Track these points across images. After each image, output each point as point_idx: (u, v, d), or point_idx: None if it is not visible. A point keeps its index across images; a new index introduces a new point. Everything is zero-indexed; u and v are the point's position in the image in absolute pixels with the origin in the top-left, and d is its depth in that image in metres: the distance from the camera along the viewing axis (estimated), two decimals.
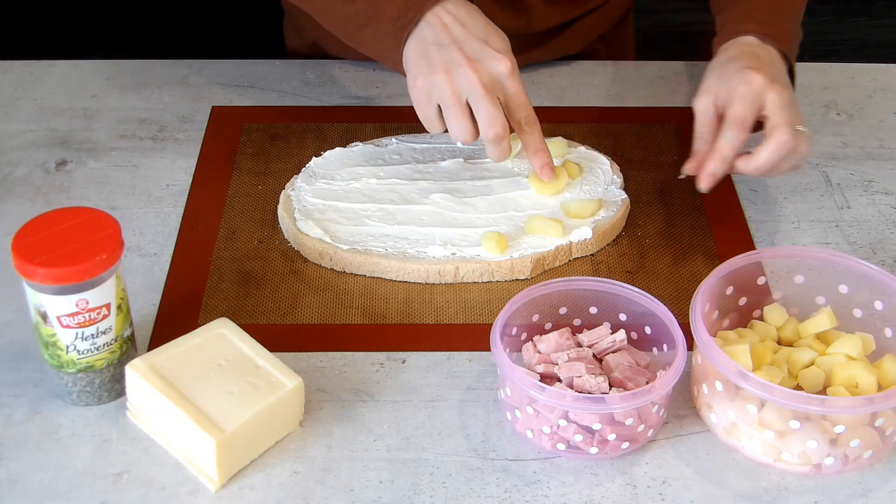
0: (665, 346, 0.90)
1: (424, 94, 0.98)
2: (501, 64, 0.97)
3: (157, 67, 1.29)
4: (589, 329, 0.92)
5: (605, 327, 0.91)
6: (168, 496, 0.82)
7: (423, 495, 0.82)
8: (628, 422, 0.83)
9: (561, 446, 0.85)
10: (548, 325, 0.92)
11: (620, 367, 0.88)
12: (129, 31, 2.62)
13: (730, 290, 0.92)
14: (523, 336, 0.91)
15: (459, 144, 1.04)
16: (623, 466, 0.84)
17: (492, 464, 0.84)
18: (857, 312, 0.92)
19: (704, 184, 0.99)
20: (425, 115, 1.00)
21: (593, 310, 0.92)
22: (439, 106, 0.98)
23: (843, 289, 0.92)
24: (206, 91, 1.25)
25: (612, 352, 0.90)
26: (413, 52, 0.99)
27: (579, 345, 0.90)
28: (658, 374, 0.85)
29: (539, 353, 0.90)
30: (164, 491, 0.82)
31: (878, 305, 0.90)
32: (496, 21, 1.01)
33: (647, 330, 0.91)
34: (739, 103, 0.98)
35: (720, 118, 1.00)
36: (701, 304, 0.86)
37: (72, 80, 1.26)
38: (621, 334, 0.90)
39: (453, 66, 0.97)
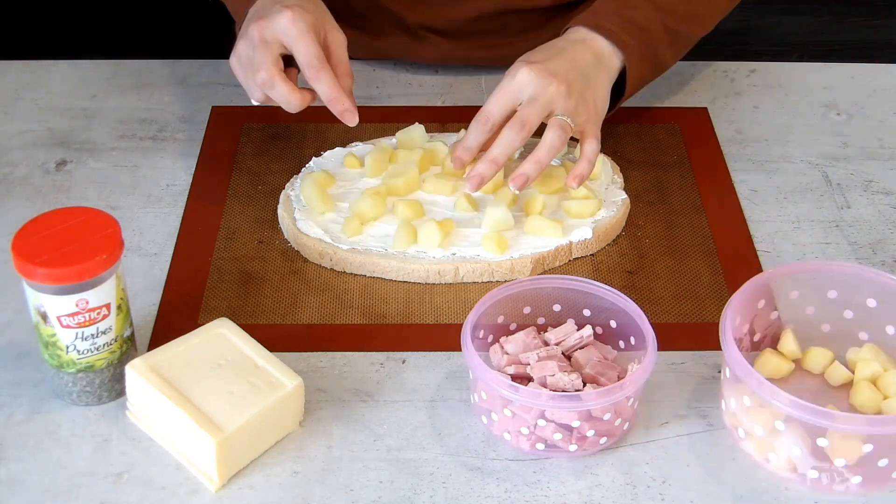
0: (632, 339, 0.90)
1: (235, 61, 1.03)
2: (282, 17, 0.99)
3: (157, 67, 1.29)
4: (554, 327, 0.92)
5: (571, 324, 0.91)
6: (168, 496, 0.82)
7: (423, 495, 0.82)
8: (605, 417, 0.83)
9: (540, 446, 0.85)
10: (513, 326, 0.92)
11: (591, 362, 0.88)
12: (129, 31, 2.61)
13: (762, 304, 0.92)
14: (490, 338, 0.91)
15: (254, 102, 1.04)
16: (623, 466, 0.84)
17: (492, 464, 0.84)
18: (890, 329, 0.91)
19: (471, 184, 1.00)
20: (241, 76, 1.04)
21: (557, 307, 0.92)
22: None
23: (872, 302, 0.91)
24: (206, 91, 1.25)
25: (580, 348, 0.90)
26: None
27: (546, 343, 0.90)
28: (630, 367, 0.86)
29: (507, 354, 0.89)
30: (164, 491, 0.82)
31: None
32: (501, 1, 1.02)
33: (613, 324, 0.91)
34: (495, 100, 1.00)
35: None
36: (731, 319, 0.86)
37: (72, 80, 1.26)
38: (588, 330, 0.90)
39: (245, 30, 1.01)
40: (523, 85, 1.00)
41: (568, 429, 0.83)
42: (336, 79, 1.01)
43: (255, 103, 1.04)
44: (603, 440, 0.85)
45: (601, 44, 1.06)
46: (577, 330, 0.91)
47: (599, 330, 0.92)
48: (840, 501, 0.83)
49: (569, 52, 1.04)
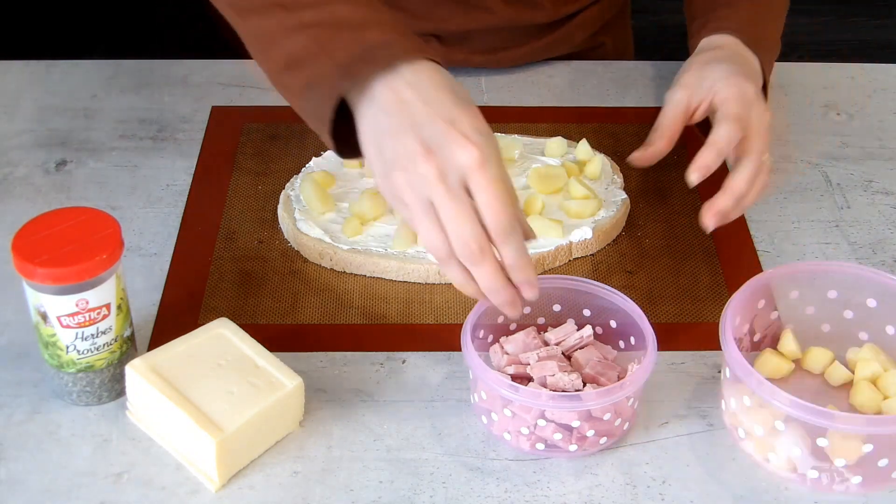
0: (632, 339, 0.90)
1: (391, 196, 0.82)
2: (466, 153, 0.77)
3: (157, 67, 1.29)
4: (554, 327, 0.92)
5: (571, 324, 0.91)
6: (168, 496, 0.82)
7: (423, 495, 0.82)
8: (605, 417, 0.83)
9: (540, 446, 0.85)
10: (513, 326, 0.92)
11: (591, 362, 0.88)
12: (129, 31, 2.62)
13: (761, 304, 0.92)
14: (490, 338, 0.91)
15: (432, 258, 0.84)
16: (623, 466, 0.84)
17: (492, 464, 0.84)
18: (890, 329, 0.91)
19: (695, 176, 0.94)
20: (405, 217, 0.82)
21: (557, 307, 0.92)
22: None
23: (872, 303, 0.91)
24: (206, 91, 1.25)
25: (580, 348, 0.90)
26: (369, 139, 0.82)
27: (546, 343, 0.90)
28: (630, 367, 0.86)
29: (507, 354, 0.89)
30: (164, 491, 0.82)
31: None
32: (501, 14, 0.95)
33: (612, 324, 0.91)
34: (735, 104, 0.95)
35: (690, 118, 0.98)
36: (731, 319, 0.86)
37: (72, 80, 1.26)
38: (587, 330, 0.90)
39: (409, 162, 0.79)
40: (751, 102, 0.96)
41: (568, 429, 0.83)
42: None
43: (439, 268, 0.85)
44: (603, 440, 0.85)
45: (754, 59, 1.03)
46: (577, 330, 0.91)
47: (599, 330, 0.92)
48: (840, 501, 0.83)
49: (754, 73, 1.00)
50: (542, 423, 0.83)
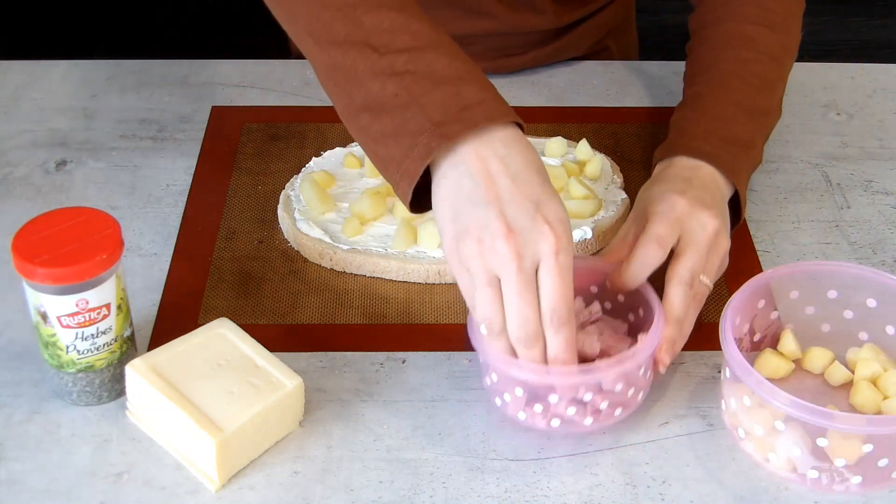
0: (640, 311, 0.90)
1: (455, 258, 0.82)
2: (546, 242, 0.78)
3: (157, 67, 1.29)
4: None
5: (579, 301, 0.91)
6: (168, 496, 0.82)
7: (423, 495, 0.82)
8: (618, 388, 0.83)
9: (555, 422, 0.85)
10: None
11: (601, 337, 0.88)
12: (129, 31, 2.62)
13: (761, 304, 0.92)
14: None
15: (484, 330, 0.82)
16: (623, 466, 0.84)
17: (492, 464, 0.84)
18: (890, 329, 0.91)
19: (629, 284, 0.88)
20: (460, 283, 0.82)
21: None
22: None
23: (872, 303, 0.91)
24: (206, 91, 1.25)
25: (591, 323, 0.90)
26: (445, 199, 0.81)
27: None
28: (640, 337, 0.86)
29: None
30: (164, 491, 0.82)
31: None
32: (504, 20, 0.93)
33: (620, 298, 0.92)
34: (658, 223, 0.89)
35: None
36: (731, 319, 0.86)
37: (72, 80, 1.26)
38: (596, 306, 0.91)
39: (487, 235, 0.78)
40: (682, 214, 0.89)
41: (581, 403, 0.83)
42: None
43: (481, 331, 0.82)
44: (618, 411, 0.85)
45: (710, 172, 0.95)
46: (586, 307, 0.91)
47: (608, 305, 0.92)
48: (840, 501, 0.83)
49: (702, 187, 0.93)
50: (554, 399, 0.83)
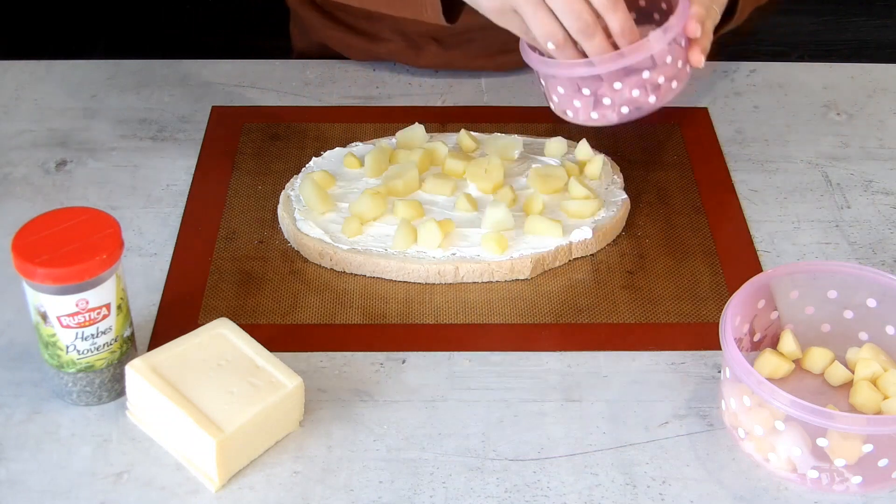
0: (664, 5, 0.99)
1: (498, 6, 0.92)
2: None
3: (157, 67, 1.29)
4: None
5: None
6: (168, 496, 0.82)
7: (423, 495, 0.82)
8: (668, 60, 0.92)
9: (625, 109, 0.92)
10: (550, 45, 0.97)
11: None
12: (129, 31, 2.62)
13: (761, 304, 0.92)
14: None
15: (551, 45, 0.91)
16: (623, 466, 0.84)
17: (492, 464, 0.84)
18: (890, 329, 0.91)
19: (697, 56, 0.96)
20: (513, 28, 0.93)
21: None
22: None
23: (872, 303, 0.92)
24: (206, 91, 1.25)
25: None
26: None
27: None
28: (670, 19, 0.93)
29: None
30: (164, 491, 0.82)
31: None
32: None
33: (642, 2, 1.00)
34: None
35: None
36: (731, 319, 0.86)
37: (72, 80, 1.26)
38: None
39: None
40: None
41: (641, 84, 0.91)
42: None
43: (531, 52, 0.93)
44: (674, 84, 0.93)
45: None
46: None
47: (633, 14, 0.95)
48: (840, 501, 0.83)
49: None
50: (618, 85, 0.88)
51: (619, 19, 0.90)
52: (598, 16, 0.90)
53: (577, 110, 0.93)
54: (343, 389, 0.90)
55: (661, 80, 0.93)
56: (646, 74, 0.92)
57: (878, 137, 1.20)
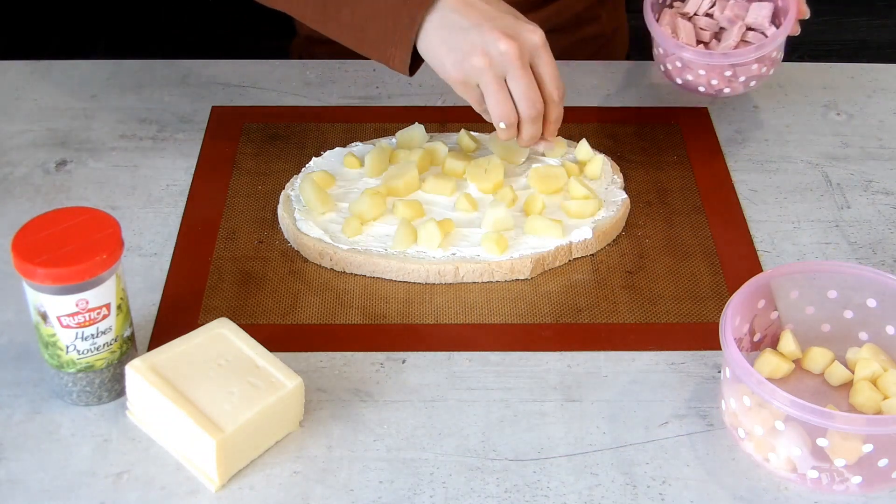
0: None
1: (462, 79, 0.97)
2: (536, 34, 0.96)
3: (157, 67, 1.29)
4: None
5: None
6: (168, 496, 0.82)
7: (423, 495, 0.82)
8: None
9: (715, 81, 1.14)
10: None
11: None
12: (129, 31, 2.62)
13: (761, 304, 0.92)
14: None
15: (502, 125, 0.99)
16: (623, 466, 0.84)
17: (492, 464, 0.84)
18: (890, 329, 0.91)
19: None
20: (470, 98, 0.99)
21: None
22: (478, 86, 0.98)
23: (872, 303, 0.91)
24: (206, 91, 1.25)
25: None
26: (437, 40, 0.97)
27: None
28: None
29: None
30: (164, 491, 0.82)
31: None
32: None
33: None
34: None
35: None
36: (731, 319, 0.86)
37: (72, 80, 1.26)
38: None
39: (489, 45, 0.95)
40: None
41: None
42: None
43: (501, 134, 1.00)
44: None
45: None
46: None
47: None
48: (840, 501, 0.83)
49: None
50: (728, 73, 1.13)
51: (560, 111, 1.01)
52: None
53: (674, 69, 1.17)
54: (343, 389, 0.90)
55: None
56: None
57: (878, 137, 1.20)
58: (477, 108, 1.00)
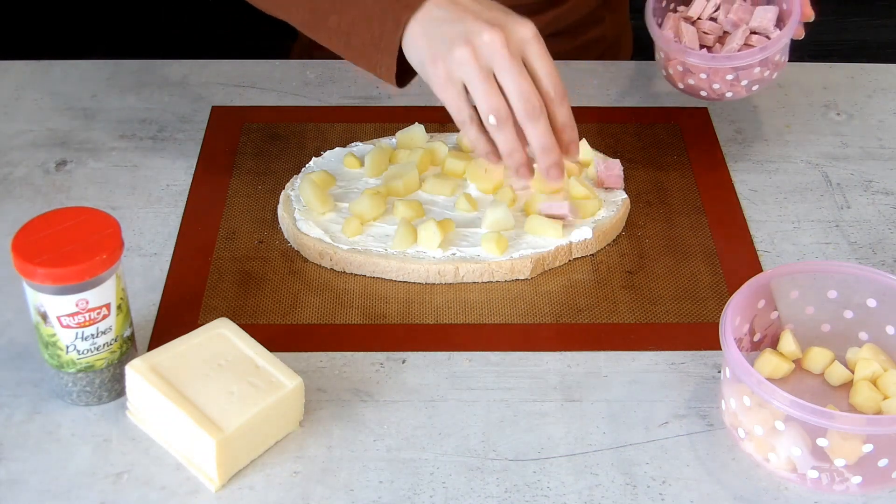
0: None
1: (443, 75, 0.89)
2: (525, 27, 0.89)
3: (157, 67, 1.29)
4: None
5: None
6: (168, 496, 0.82)
7: (423, 495, 0.82)
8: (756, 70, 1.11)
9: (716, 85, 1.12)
10: None
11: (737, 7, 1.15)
12: (129, 31, 2.62)
13: (761, 304, 0.92)
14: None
15: (493, 121, 0.89)
16: (623, 466, 0.84)
17: (492, 464, 0.84)
18: (890, 329, 0.91)
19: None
20: (449, 99, 0.90)
21: None
22: (465, 87, 0.89)
23: (872, 302, 0.91)
24: (206, 91, 1.25)
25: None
26: (420, 34, 0.90)
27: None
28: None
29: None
30: (164, 491, 0.82)
31: None
32: None
33: None
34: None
35: None
36: (731, 319, 0.86)
37: (72, 80, 1.26)
38: None
39: (475, 35, 0.87)
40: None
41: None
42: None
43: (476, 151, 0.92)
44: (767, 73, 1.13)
45: None
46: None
47: None
48: (840, 501, 0.83)
49: None
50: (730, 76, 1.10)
51: (566, 112, 0.91)
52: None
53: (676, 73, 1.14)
54: (343, 389, 0.90)
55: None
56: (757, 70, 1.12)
57: (878, 137, 1.20)
58: (455, 117, 0.91)
